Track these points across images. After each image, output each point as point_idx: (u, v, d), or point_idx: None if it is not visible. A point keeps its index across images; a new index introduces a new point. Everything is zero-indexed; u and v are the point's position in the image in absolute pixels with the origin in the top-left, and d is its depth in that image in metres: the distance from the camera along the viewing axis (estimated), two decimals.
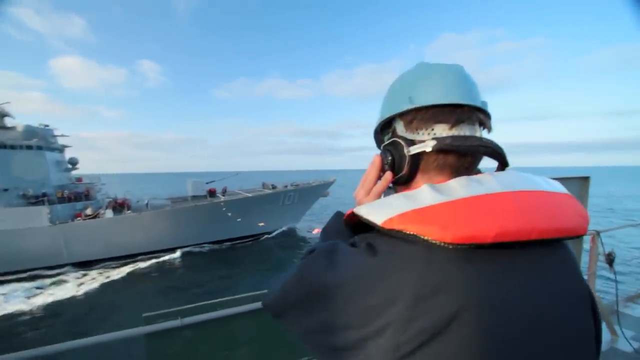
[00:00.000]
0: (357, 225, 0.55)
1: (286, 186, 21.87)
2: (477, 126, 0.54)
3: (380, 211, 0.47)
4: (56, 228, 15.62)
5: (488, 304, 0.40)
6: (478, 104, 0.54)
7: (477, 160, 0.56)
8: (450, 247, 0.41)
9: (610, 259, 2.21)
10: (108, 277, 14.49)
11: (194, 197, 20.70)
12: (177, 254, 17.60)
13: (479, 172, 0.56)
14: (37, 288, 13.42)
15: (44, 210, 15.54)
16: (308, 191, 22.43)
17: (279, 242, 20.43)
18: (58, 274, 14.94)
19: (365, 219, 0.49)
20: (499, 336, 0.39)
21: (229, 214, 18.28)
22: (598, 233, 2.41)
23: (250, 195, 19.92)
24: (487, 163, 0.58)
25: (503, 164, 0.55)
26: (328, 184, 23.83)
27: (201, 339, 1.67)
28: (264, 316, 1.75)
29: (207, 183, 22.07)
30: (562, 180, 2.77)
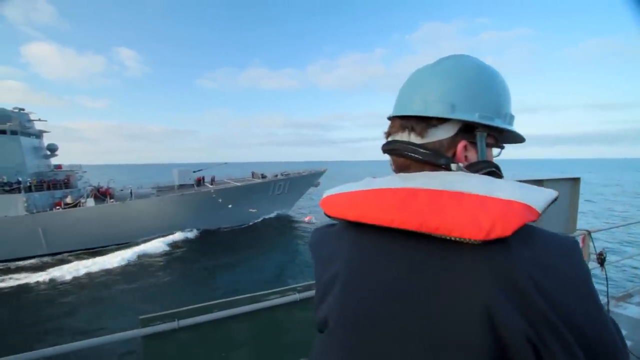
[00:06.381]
0: None
1: (276, 175, 21.70)
2: (407, 132, 0.59)
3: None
4: (33, 217, 15.04)
5: (353, 269, 0.52)
6: (411, 113, 0.58)
7: (412, 161, 0.57)
8: (328, 218, 0.59)
9: (601, 259, 2.18)
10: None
11: (181, 186, 20.27)
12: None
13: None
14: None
15: (19, 199, 14.89)
16: (298, 180, 22.36)
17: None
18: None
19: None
20: (356, 296, 0.50)
21: (220, 200, 18.04)
22: (589, 233, 2.44)
23: (239, 184, 19.66)
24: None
25: (431, 164, 0.54)
26: (319, 174, 23.82)
27: (198, 341, 1.66)
28: (261, 317, 1.76)
29: (194, 172, 21.61)
30: (552, 181, 2.81)
